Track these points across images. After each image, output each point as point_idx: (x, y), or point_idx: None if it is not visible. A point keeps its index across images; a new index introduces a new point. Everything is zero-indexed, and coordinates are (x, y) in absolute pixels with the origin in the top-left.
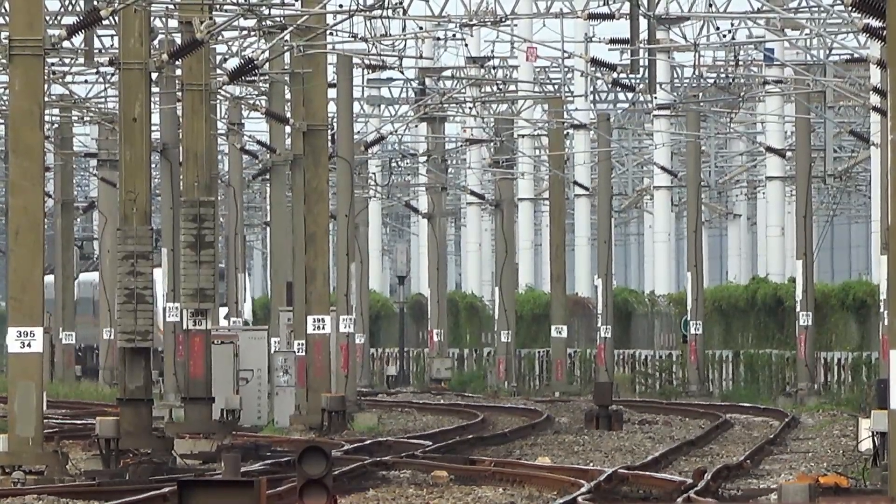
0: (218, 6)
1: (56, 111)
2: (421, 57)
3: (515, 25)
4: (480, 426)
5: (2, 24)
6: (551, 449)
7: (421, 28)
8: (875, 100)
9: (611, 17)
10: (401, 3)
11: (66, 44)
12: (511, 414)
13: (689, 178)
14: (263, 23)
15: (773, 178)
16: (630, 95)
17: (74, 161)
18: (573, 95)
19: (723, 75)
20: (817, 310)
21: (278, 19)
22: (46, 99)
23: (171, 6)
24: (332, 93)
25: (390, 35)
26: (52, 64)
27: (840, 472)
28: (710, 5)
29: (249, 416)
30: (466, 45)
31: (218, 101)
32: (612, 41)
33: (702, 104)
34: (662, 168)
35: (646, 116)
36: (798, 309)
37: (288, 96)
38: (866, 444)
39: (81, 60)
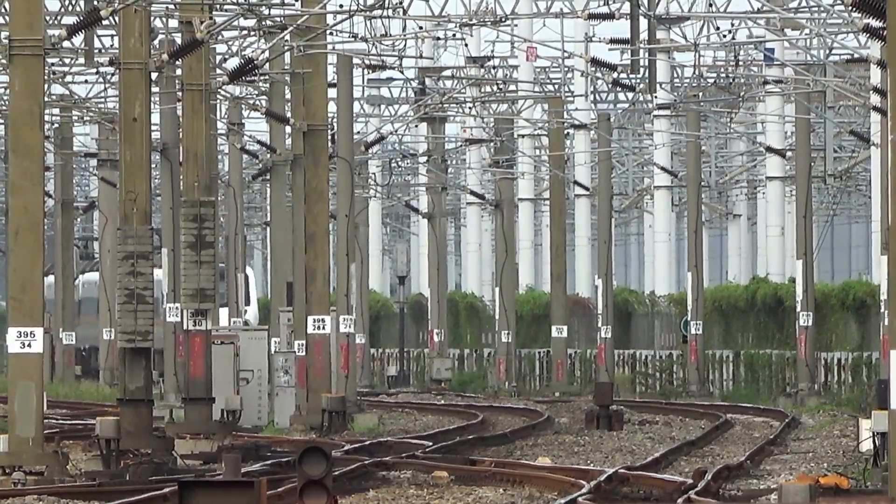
0: (218, 6)
1: (56, 111)
2: (421, 57)
3: (515, 25)
4: (481, 426)
5: (2, 24)
6: (551, 449)
7: (421, 28)
8: (875, 100)
9: (611, 17)
10: (401, 3)
11: (66, 44)
12: (511, 414)
13: (689, 178)
14: (263, 23)
15: (773, 178)
16: (630, 95)
17: (74, 161)
18: (573, 95)
19: (723, 75)
20: (817, 310)
21: (278, 19)
22: (46, 99)
23: (171, 6)
24: (332, 93)
25: (390, 35)
26: (52, 64)
27: (840, 472)
28: (710, 5)
29: (250, 416)
30: (466, 45)
31: (218, 101)
32: (612, 41)
33: (702, 104)
34: (662, 168)
35: (646, 116)
36: (798, 309)
37: (288, 96)
38: (867, 445)
39: (81, 60)
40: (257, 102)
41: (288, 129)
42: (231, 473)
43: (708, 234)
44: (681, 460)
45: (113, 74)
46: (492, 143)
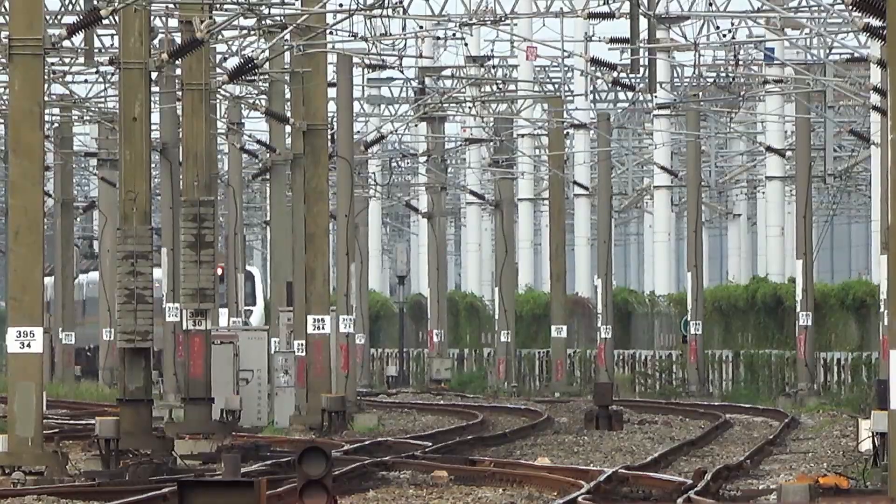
0: (218, 6)
1: (56, 111)
2: (421, 56)
3: (515, 25)
4: (480, 426)
5: (2, 24)
6: (551, 449)
7: (421, 27)
8: (875, 99)
9: (611, 16)
10: (401, 2)
11: (66, 43)
12: (511, 414)
13: (689, 178)
14: (263, 22)
15: (773, 178)
16: (630, 95)
17: (74, 161)
18: (573, 95)
19: (723, 75)
20: (817, 310)
21: (278, 19)
22: (46, 99)
23: (171, 6)
24: (332, 92)
25: (390, 34)
26: (52, 64)
27: (840, 472)
28: (710, 5)
29: (249, 416)
30: (466, 44)
31: (218, 101)
32: (612, 40)
33: (702, 104)
34: (662, 168)
35: (646, 116)
36: (798, 309)
37: (288, 96)
38: (866, 445)
39: (81, 60)
40: (257, 102)
41: (288, 128)
42: (231, 473)
43: (708, 234)
44: (680, 460)
45: (113, 74)
46: (491, 143)
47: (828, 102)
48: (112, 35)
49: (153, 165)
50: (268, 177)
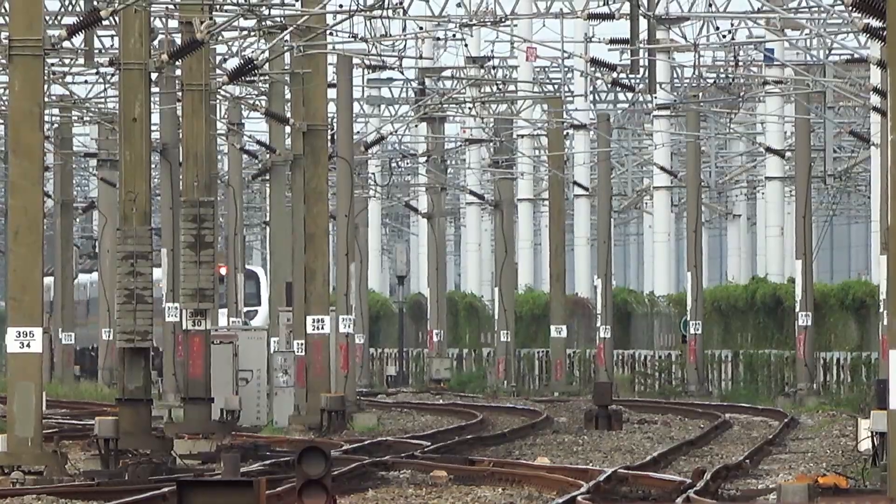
0: (218, 6)
1: (56, 111)
2: (421, 57)
3: (515, 25)
4: (479, 426)
5: (2, 24)
6: (550, 449)
7: (421, 28)
8: (875, 100)
9: (611, 17)
10: (401, 3)
11: (66, 44)
12: (510, 414)
13: (689, 179)
14: (263, 23)
15: (772, 179)
16: (630, 95)
17: (74, 161)
18: (573, 95)
19: (723, 75)
20: (817, 310)
21: (278, 19)
22: (46, 99)
23: (171, 6)
24: (331, 93)
25: (390, 35)
26: (52, 64)
27: (839, 472)
28: (710, 5)
29: (249, 416)
30: (466, 45)
31: (218, 101)
32: (612, 41)
33: (702, 104)
34: (662, 168)
35: (646, 116)
36: (797, 309)
37: (288, 96)
38: (866, 445)
39: (81, 60)
40: (257, 102)
41: (288, 129)
42: (230, 473)
43: (707, 234)
44: (680, 460)
45: (113, 75)
46: (491, 143)
47: (827, 103)
48: (112, 36)
49: (153, 166)
50: (268, 177)
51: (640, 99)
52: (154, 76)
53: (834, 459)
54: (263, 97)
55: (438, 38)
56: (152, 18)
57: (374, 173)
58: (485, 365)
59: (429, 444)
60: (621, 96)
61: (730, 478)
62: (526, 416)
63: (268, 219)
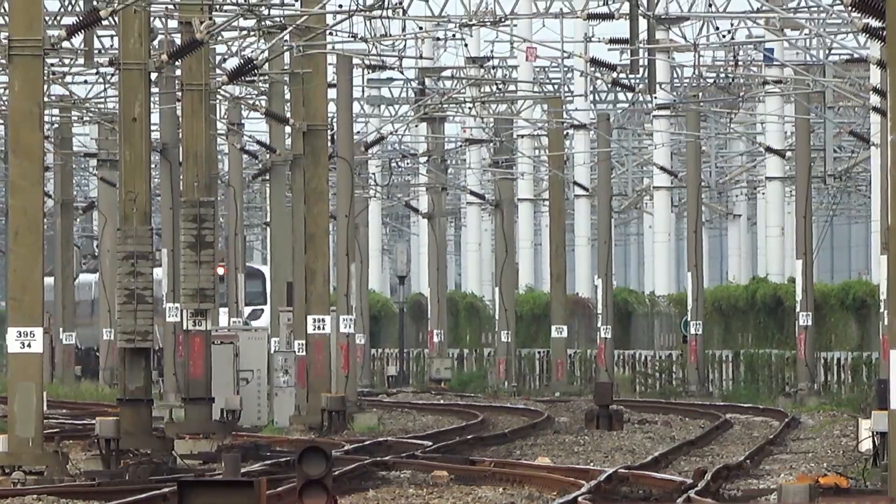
0: (218, 6)
1: (56, 111)
2: (421, 57)
3: (515, 25)
4: (480, 426)
5: (1, 25)
6: (551, 449)
7: (421, 28)
8: (875, 100)
9: (610, 17)
10: (401, 3)
11: (65, 44)
12: (511, 414)
13: (689, 179)
14: (263, 23)
15: (772, 179)
16: (630, 95)
17: (74, 161)
18: (573, 95)
19: (723, 75)
20: (817, 310)
21: (278, 19)
22: (46, 99)
23: (171, 6)
24: (331, 93)
25: (390, 35)
26: (52, 64)
27: (840, 472)
28: (710, 5)
29: (249, 416)
30: (466, 45)
31: (218, 101)
32: (612, 41)
33: (702, 104)
34: (662, 168)
35: (646, 116)
36: (798, 309)
37: (288, 96)
38: (866, 445)
39: (81, 60)
40: (257, 102)
41: (288, 129)
42: (231, 473)
43: (708, 234)
44: (680, 460)
45: (113, 75)
46: (491, 143)
47: (827, 103)
48: (112, 36)
49: (153, 166)
50: (268, 177)
51: (640, 99)
52: (154, 76)
53: (835, 459)
54: (263, 97)
55: (438, 38)
56: (152, 18)
57: (374, 173)
58: (485, 365)
59: (429, 444)
60: (621, 96)
61: (731, 478)
62: (526, 416)
63: (268, 219)
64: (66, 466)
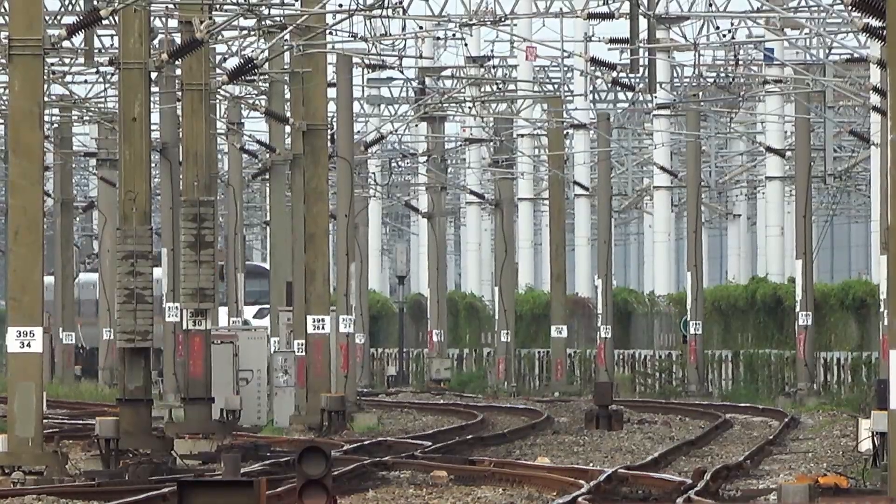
0: (218, 6)
1: (56, 111)
2: (421, 57)
3: (515, 25)
4: (480, 426)
5: (2, 25)
6: (551, 449)
7: (421, 28)
8: (875, 100)
9: (610, 16)
10: (401, 2)
11: (65, 44)
12: (511, 414)
13: (689, 178)
14: (263, 22)
15: (772, 178)
16: (630, 95)
17: (74, 161)
18: (573, 95)
19: (722, 75)
20: (817, 309)
21: (278, 19)
22: (46, 99)
23: (171, 6)
24: (331, 92)
25: (390, 35)
26: (52, 64)
27: (840, 472)
28: (710, 5)
29: (249, 416)
30: (466, 44)
31: (218, 101)
32: (612, 41)
33: (702, 104)
34: (662, 168)
35: (646, 116)
36: (798, 309)
37: (288, 96)
38: (866, 445)
39: (81, 60)
40: (257, 102)
41: (287, 128)
42: (230, 473)
43: (707, 234)
44: (680, 460)
45: (113, 74)
46: (491, 143)
47: (827, 103)
48: (112, 35)
49: (153, 165)
50: (267, 177)
51: (640, 98)
52: (154, 76)
53: (834, 459)
54: (263, 97)
55: (438, 38)
56: (152, 18)
57: (374, 173)
58: (485, 365)
59: (429, 444)
60: (621, 96)
61: (730, 478)
62: (526, 416)
63: (268, 219)
64: (66, 466)
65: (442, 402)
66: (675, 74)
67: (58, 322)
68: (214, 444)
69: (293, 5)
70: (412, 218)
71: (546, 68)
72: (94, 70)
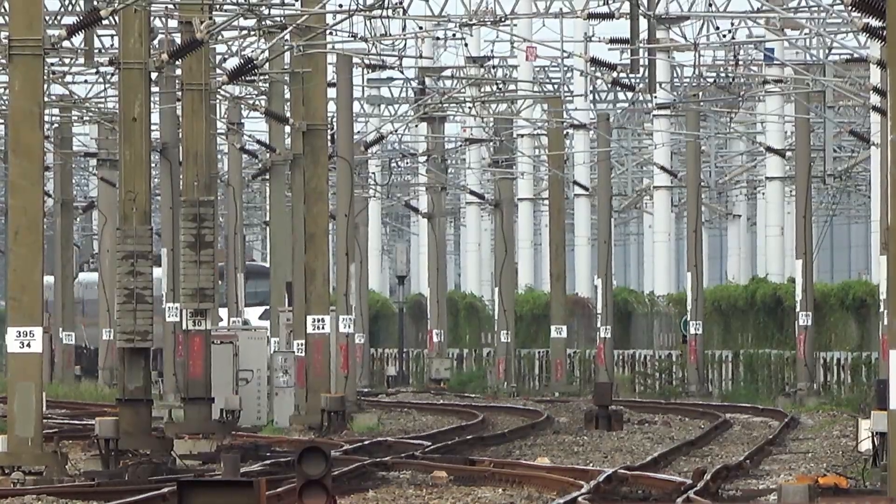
0: (218, 6)
1: (56, 111)
2: (421, 57)
3: (515, 25)
4: (480, 426)
5: (2, 25)
6: (551, 449)
7: (421, 28)
8: (875, 100)
9: (610, 16)
10: (401, 2)
11: (66, 44)
12: (510, 414)
13: (689, 179)
14: (263, 23)
15: (772, 179)
16: (630, 95)
17: (74, 161)
18: (573, 95)
19: (723, 75)
20: (817, 310)
21: (278, 19)
22: (46, 99)
23: (171, 6)
24: (331, 92)
25: (390, 35)
26: (52, 64)
27: (839, 472)
28: (710, 5)
29: (249, 416)
30: (466, 44)
31: (218, 101)
32: (612, 41)
33: (702, 104)
34: (662, 168)
35: (646, 116)
36: (797, 309)
37: (288, 96)
38: (866, 445)
39: (81, 60)
40: (257, 102)
41: (287, 128)
42: (230, 473)
43: (707, 234)
44: (680, 460)
45: (113, 74)
46: (491, 143)
47: (827, 103)
48: (112, 35)
49: (153, 165)
50: (267, 177)
51: (640, 98)
52: (154, 76)
53: (834, 460)
54: (263, 97)
55: (438, 38)
56: (152, 18)
57: (374, 173)
58: (485, 365)
59: (429, 444)
60: (621, 96)
61: (730, 478)
62: (526, 416)
63: (268, 219)
64: (66, 466)
65: (442, 402)
66: (675, 74)
67: (58, 322)
68: (214, 444)
69: (293, 5)
70: (412, 218)
71: (546, 68)
72: (94, 70)
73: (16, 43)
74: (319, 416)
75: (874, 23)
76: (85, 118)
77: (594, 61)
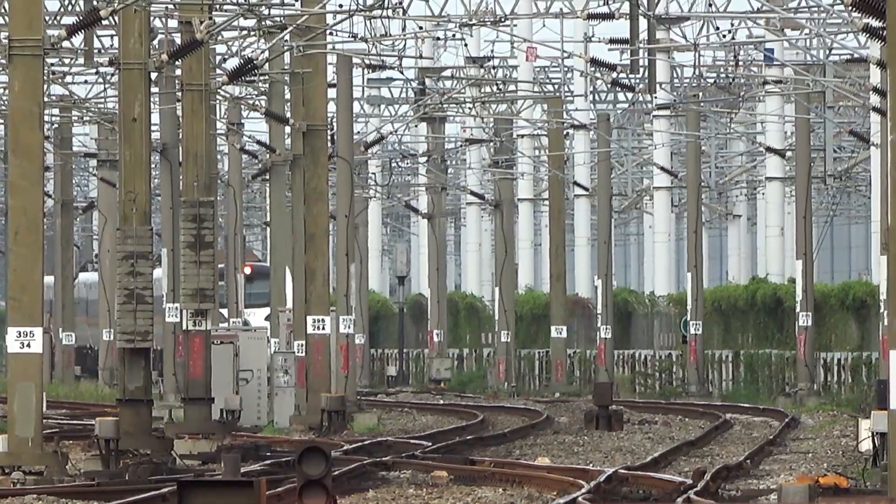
0: (218, 6)
1: (56, 111)
2: (421, 57)
3: (515, 25)
4: (480, 426)
5: (1, 24)
6: (551, 449)
7: (421, 28)
8: (875, 100)
9: (610, 16)
10: (401, 3)
11: (65, 44)
12: (511, 414)
13: (689, 179)
14: (263, 23)
15: (772, 179)
16: (630, 95)
17: (74, 161)
18: (573, 95)
19: (723, 75)
20: (817, 310)
21: (278, 19)
22: (46, 99)
23: (171, 6)
24: (331, 93)
25: (390, 35)
26: (52, 64)
27: (840, 472)
28: (710, 5)
29: (249, 416)
30: (466, 45)
31: (218, 101)
32: (612, 41)
33: (702, 104)
34: (662, 168)
35: (645, 116)
36: (798, 309)
37: (288, 96)
38: (866, 445)
39: (81, 60)
40: (257, 102)
41: (287, 129)
42: (230, 473)
43: (708, 234)
44: (680, 460)
45: (113, 74)
46: (491, 143)
47: (827, 103)
48: (112, 35)
49: (153, 166)
50: (267, 177)
51: (640, 99)
52: (154, 76)
53: (834, 460)
54: (263, 97)
55: (438, 38)
56: (152, 18)
57: (374, 173)
58: (485, 365)
59: (429, 444)
60: (621, 96)
61: (730, 478)
62: (526, 416)
63: (268, 219)
64: (66, 466)
65: (442, 402)
66: (675, 75)
67: (58, 322)
68: (214, 444)
69: (293, 5)
70: (412, 218)
71: (546, 69)
72: (94, 70)
73: (16, 43)
74: (319, 416)
75: (874, 23)
76: (85, 118)
77: (594, 62)
